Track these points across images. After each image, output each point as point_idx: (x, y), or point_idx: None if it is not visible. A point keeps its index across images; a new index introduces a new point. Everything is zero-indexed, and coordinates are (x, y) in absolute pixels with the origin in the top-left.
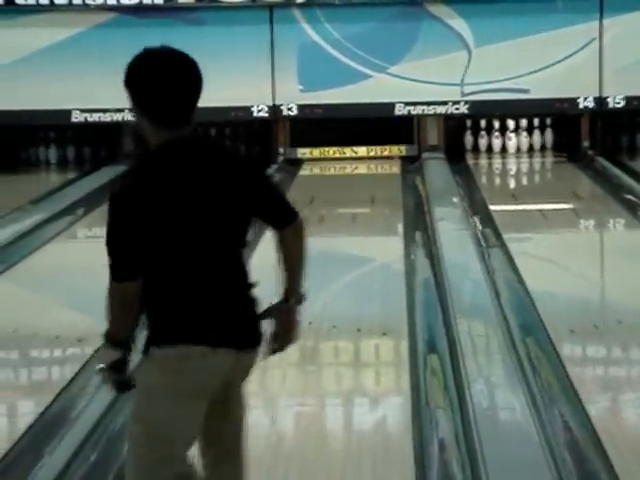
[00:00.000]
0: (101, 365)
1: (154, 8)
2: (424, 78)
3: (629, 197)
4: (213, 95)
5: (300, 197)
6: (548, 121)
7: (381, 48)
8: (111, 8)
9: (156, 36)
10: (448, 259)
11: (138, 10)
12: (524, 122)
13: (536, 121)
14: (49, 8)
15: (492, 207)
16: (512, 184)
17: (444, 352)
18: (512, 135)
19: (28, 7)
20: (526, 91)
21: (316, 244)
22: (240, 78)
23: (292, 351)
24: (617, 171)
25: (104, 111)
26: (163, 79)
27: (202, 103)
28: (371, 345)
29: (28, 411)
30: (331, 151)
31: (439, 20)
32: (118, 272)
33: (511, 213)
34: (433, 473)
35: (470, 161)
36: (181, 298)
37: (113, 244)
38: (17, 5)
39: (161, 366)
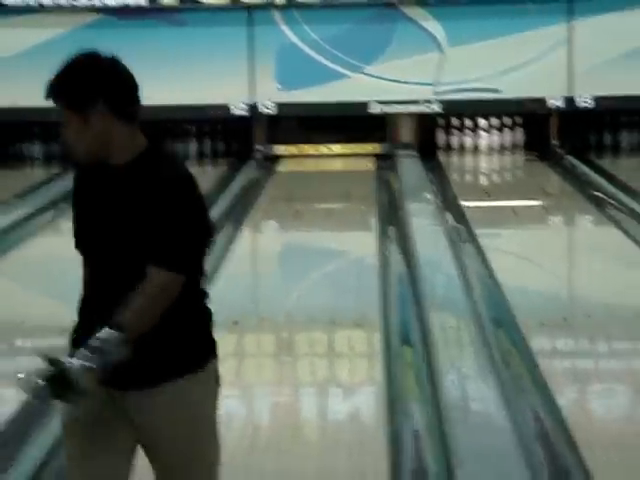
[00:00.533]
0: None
1: (138, 10)
2: (398, 78)
3: (597, 194)
4: (193, 94)
5: (277, 193)
6: (519, 120)
7: (357, 49)
8: (96, 9)
9: (139, 36)
10: (421, 254)
11: (122, 11)
12: (495, 121)
13: (507, 120)
14: (36, 9)
15: (464, 203)
16: (484, 181)
17: (417, 344)
18: (483, 134)
19: (16, 8)
20: (497, 91)
21: (292, 238)
22: (219, 77)
23: (268, 342)
24: (585, 169)
25: None
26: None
27: (183, 101)
28: (345, 337)
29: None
30: (307, 148)
31: (413, 22)
32: (188, 263)
33: (483, 209)
34: (407, 463)
35: (442, 159)
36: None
37: (195, 230)
38: (4, 5)
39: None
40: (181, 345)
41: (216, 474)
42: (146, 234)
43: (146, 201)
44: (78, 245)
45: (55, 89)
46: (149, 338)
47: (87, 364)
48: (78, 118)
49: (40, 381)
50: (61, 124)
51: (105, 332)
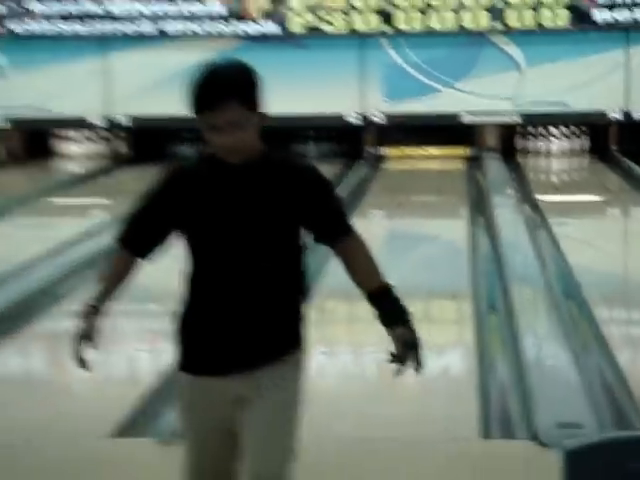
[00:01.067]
0: None
1: (272, 37)
2: (484, 92)
3: None
4: (314, 105)
5: (383, 187)
6: (584, 129)
7: (450, 68)
8: (239, 37)
9: (272, 58)
10: (504, 238)
11: (259, 38)
12: (564, 130)
13: (574, 129)
14: (190, 36)
15: (538, 197)
16: (554, 179)
17: (501, 312)
18: (554, 140)
19: (175, 35)
20: (566, 105)
21: (395, 225)
22: (336, 91)
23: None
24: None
25: None
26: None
27: (306, 110)
28: (441, 306)
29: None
30: (408, 150)
31: (497, 46)
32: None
33: (554, 202)
34: (493, 410)
35: (521, 160)
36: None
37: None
38: (166, 33)
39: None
40: (292, 324)
41: (291, 456)
42: (299, 219)
43: (296, 190)
44: (202, 244)
45: (228, 88)
46: (267, 318)
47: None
48: (248, 116)
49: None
50: (220, 125)
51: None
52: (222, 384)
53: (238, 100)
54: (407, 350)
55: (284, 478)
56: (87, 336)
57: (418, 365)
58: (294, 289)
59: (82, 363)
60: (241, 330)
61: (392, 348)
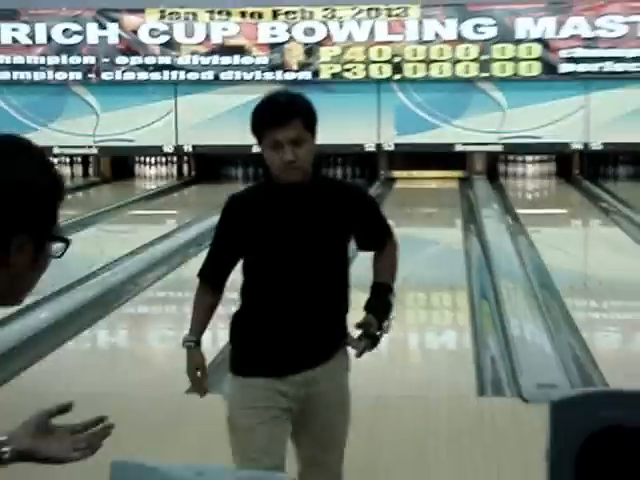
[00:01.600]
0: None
1: (304, 81)
2: (474, 127)
3: (603, 205)
4: (339, 136)
5: (394, 202)
6: (552, 157)
7: (447, 108)
8: (277, 82)
9: None
10: (491, 242)
11: (293, 82)
12: (537, 157)
13: (545, 157)
14: (238, 81)
15: (518, 210)
16: (530, 196)
17: (491, 300)
18: (529, 165)
19: (227, 81)
20: (539, 137)
21: (404, 232)
22: (357, 125)
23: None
24: (596, 189)
25: None
26: None
27: (332, 141)
28: (441, 296)
29: None
30: (414, 173)
31: (484, 91)
32: None
33: (529, 214)
34: (487, 377)
35: (502, 181)
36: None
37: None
38: (219, 78)
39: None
40: (341, 328)
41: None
42: (350, 231)
43: (348, 206)
44: (266, 259)
45: (294, 108)
46: (324, 323)
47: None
48: (306, 137)
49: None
50: (283, 141)
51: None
52: (287, 382)
53: (301, 120)
54: (365, 337)
55: (341, 467)
56: (199, 368)
57: (362, 352)
58: (343, 296)
59: (202, 392)
60: (304, 333)
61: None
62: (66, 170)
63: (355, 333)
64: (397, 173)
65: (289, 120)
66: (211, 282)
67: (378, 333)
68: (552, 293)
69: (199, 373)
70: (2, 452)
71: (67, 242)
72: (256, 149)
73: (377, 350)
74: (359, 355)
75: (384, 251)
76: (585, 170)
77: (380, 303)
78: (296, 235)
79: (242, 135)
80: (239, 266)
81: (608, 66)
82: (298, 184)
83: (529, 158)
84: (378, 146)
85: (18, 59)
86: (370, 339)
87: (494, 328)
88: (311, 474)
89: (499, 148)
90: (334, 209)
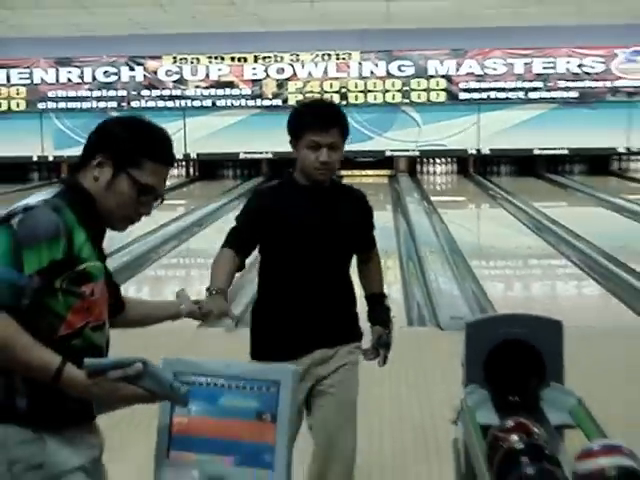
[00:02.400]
0: None
1: (277, 107)
2: (399, 139)
3: (491, 193)
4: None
5: None
6: (455, 159)
7: (380, 125)
8: (258, 107)
9: (277, 120)
10: (414, 220)
11: (270, 108)
12: (444, 160)
13: (449, 159)
14: (230, 107)
15: (431, 197)
16: (439, 187)
17: (415, 261)
18: (438, 165)
19: (222, 107)
20: (445, 145)
21: None
22: None
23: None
24: (486, 182)
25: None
26: None
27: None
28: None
29: None
30: (356, 172)
31: (406, 112)
32: None
33: (440, 200)
34: (414, 314)
35: (419, 177)
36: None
37: None
38: (217, 106)
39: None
40: (353, 312)
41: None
42: (355, 231)
43: (357, 209)
44: (286, 250)
45: (338, 116)
46: (339, 304)
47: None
48: (342, 145)
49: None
50: (323, 144)
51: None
52: (301, 363)
53: (341, 128)
54: (380, 346)
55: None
56: (224, 313)
57: (385, 360)
58: (350, 288)
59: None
60: (316, 317)
61: (368, 344)
62: None
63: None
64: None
65: (332, 127)
66: (235, 247)
67: (389, 338)
68: (458, 256)
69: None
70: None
71: (157, 195)
72: (243, 156)
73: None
74: (383, 364)
75: (371, 261)
76: (478, 168)
77: (382, 312)
78: (315, 230)
79: (233, 145)
80: (247, 272)
81: (493, 94)
82: (319, 184)
83: (438, 160)
84: None
85: (71, 93)
86: (385, 347)
87: (417, 281)
88: (324, 457)
89: (417, 153)
90: (347, 209)
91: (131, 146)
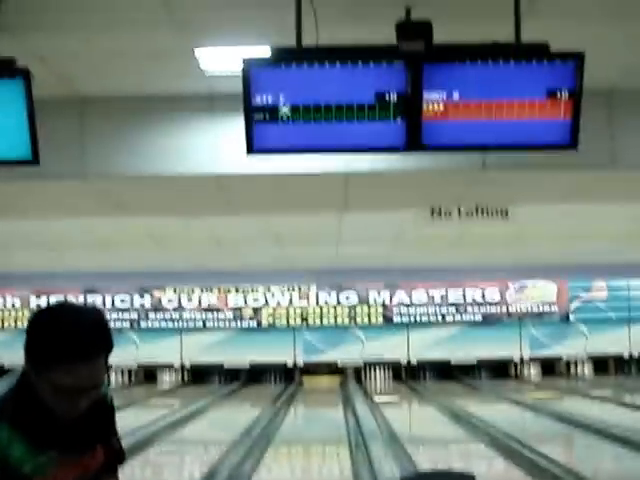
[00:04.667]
0: None
1: (252, 328)
2: (348, 352)
3: (420, 393)
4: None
5: None
6: (390, 367)
7: (332, 341)
8: (238, 329)
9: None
10: (361, 415)
11: (247, 329)
12: (382, 368)
13: (386, 367)
14: (222, 328)
15: (374, 397)
16: (379, 389)
17: (363, 449)
18: (379, 373)
19: (210, 328)
20: (382, 356)
21: None
22: (281, 347)
23: None
24: (416, 385)
25: None
26: None
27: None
28: None
29: None
30: (314, 378)
31: (352, 332)
32: None
33: (381, 399)
34: None
35: (364, 381)
36: None
37: None
38: (206, 327)
39: None
40: None
41: None
42: None
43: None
44: None
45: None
46: None
47: None
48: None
49: None
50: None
51: None
52: None
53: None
54: None
55: None
56: None
57: None
58: None
59: None
60: None
61: None
62: None
63: None
64: (305, 378)
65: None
66: None
67: None
68: (396, 442)
69: None
70: None
71: (81, 389)
72: (227, 365)
73: None
74: None
75: None
76: (408, 374)
77: None
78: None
79: (219, 357)
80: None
81: (419, 317)
82: None
83: (378, 368)
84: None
85: None
86: None
87: (365, 465)
88: None
89: (361, 363)
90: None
91: (39, 351)
